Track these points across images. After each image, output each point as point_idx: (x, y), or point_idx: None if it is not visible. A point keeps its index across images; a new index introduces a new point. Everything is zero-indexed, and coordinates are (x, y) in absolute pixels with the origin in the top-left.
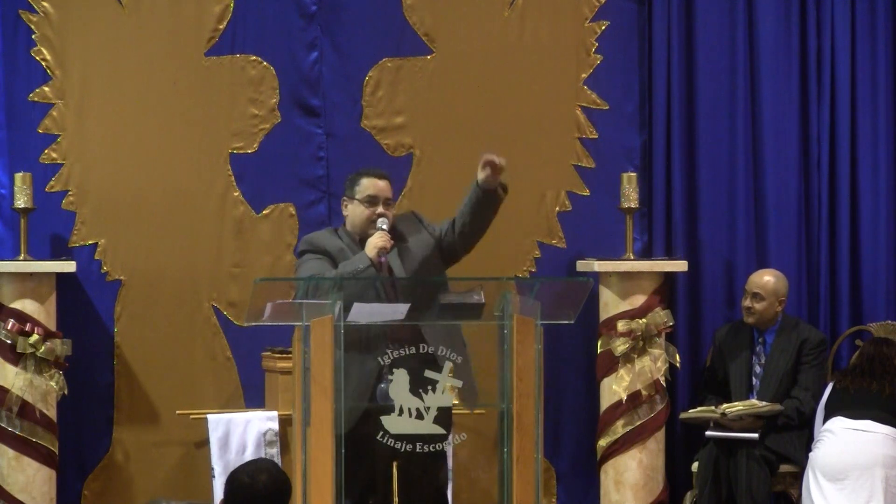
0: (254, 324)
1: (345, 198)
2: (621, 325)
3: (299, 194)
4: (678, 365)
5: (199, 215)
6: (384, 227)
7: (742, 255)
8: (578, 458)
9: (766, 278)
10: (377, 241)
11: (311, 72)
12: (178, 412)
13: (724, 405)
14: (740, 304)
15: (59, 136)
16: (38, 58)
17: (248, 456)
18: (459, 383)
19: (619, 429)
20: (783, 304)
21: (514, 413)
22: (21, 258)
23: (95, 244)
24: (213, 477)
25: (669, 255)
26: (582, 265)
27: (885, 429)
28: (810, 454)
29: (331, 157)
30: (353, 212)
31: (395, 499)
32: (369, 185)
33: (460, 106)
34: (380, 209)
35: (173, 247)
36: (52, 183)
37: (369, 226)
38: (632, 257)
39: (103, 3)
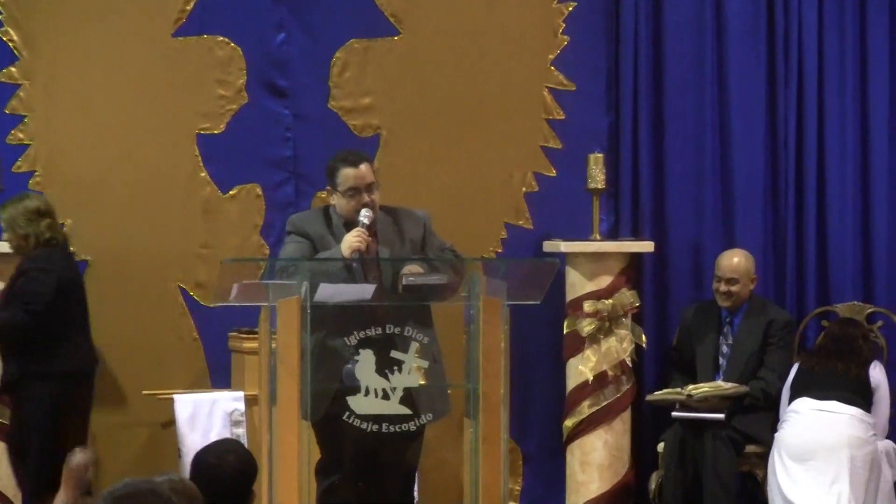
0: (221, 304)
1: (328, 187)
2: (588, 306)
3: (266, 175)
4: (644, 345)
5: (167, 196)
6: (366, 221)
7: (709, 235)
8: (545, 438)
9: (737, 259)
10: (353, 241)
11: (279, 53)
12: (144, 392)
13: (690, 386)
14: (711, 287)
15: (26, 116)
16: (4, 38)
17: (215, 436)
18: (426, 364)
19: (586, 409)
20: (755, 281)
21: (481, 393)
22: None
23: (62, 224)
24: (180, 457)
25: (636, 235)
26: (549, 246)
27: (850, 409)
28: (776, 435)
29: (298, 138)
30: (338, 203)
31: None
32: (349, 175)
33: (428, 87)
34: (364, 198)
35: (140, 227)
36: (18, 163)
37: (355, 215)
38: (598, 238)
39: None
